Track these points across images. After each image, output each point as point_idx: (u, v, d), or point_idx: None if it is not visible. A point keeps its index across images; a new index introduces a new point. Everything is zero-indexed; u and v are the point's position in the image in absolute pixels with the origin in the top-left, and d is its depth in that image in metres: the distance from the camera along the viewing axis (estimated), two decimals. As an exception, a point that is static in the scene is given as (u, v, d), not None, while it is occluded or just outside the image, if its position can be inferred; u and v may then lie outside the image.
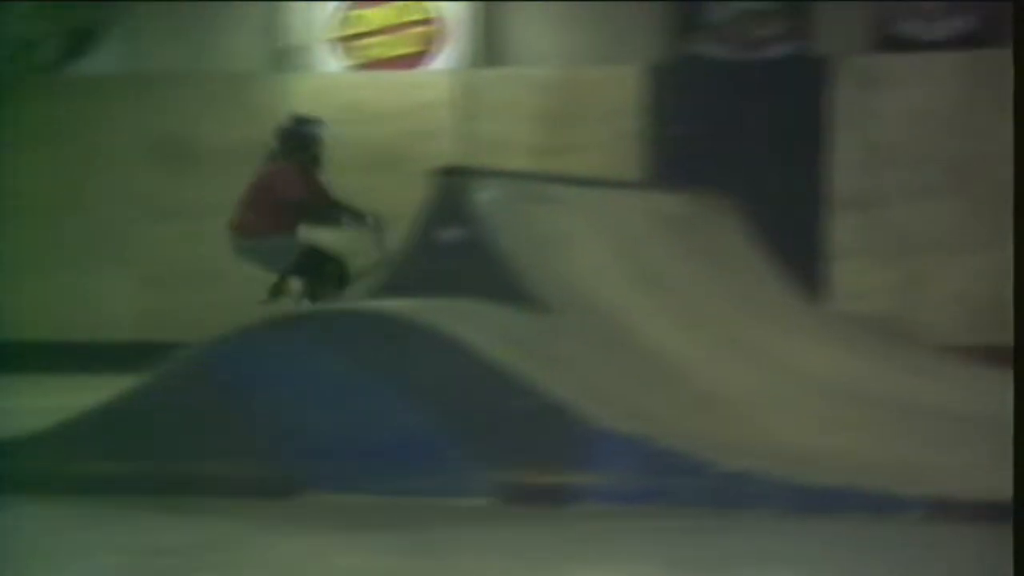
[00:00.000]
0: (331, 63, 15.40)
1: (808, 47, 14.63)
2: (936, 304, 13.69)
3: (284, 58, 15.19)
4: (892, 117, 14.03)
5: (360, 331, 7.98)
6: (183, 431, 7.89)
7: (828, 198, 14.24)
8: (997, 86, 13.78)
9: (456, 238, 8.79)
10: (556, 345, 8.28)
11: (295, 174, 10.98)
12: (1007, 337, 13.05)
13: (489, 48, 14.99)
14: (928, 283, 13.74)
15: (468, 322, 8.04)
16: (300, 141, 11.07)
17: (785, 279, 11.59)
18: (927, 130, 14.00)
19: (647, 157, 14.31)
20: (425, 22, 15.11)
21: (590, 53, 14.67)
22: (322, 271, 10.95)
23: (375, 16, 15.26)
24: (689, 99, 14.36)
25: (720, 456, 7.33)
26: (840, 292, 13.97)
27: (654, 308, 9.51)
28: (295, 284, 11.09)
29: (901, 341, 11.41)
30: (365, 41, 15.36)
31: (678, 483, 7.24)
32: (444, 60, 15.10)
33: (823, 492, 7.06)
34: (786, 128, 14.12)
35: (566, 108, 14.31)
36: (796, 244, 12.93)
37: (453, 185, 8.90)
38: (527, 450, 7.46)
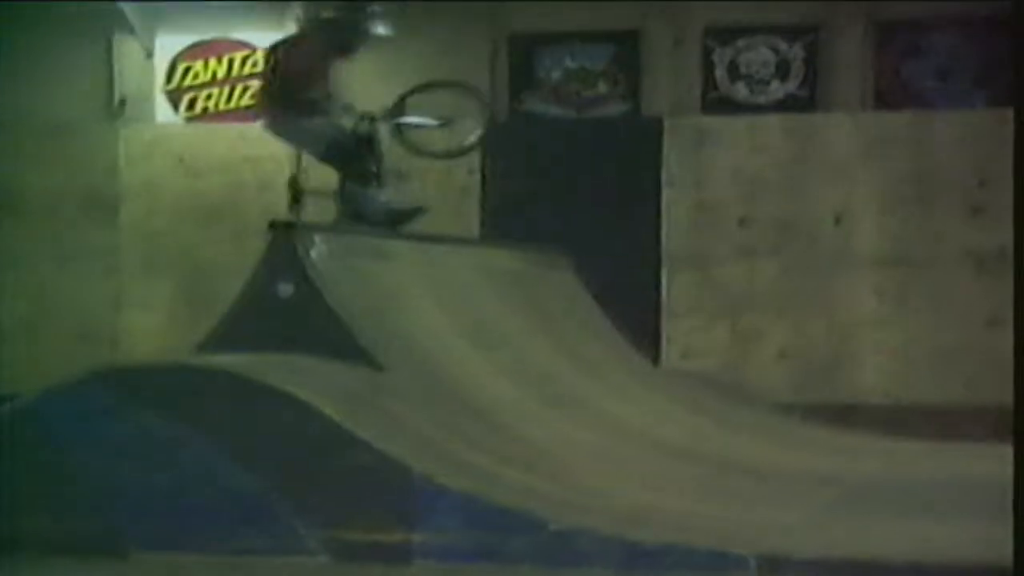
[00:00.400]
0: (166, 115, 15.24)
1: (640, 107, 14.80)
2: (765, 362, 13.88)
3: (120, 109, 15.00)
4: (721, 177, 14.23)
5: (189, 386, 7.85)
6: (8, 487, 7.69)
7: (661, 256, 14.39)
8: (821, 149, 14.10)
9: (289, 293, 8.71)
10: (389, 402, 8.23)
11: (315, 55, 10.24)
12: (834, 395, 13.38)
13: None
14: (757, 341, 13.93)
15: (301, 378, 7.95)
16: (348, 26, 10.33)
17: (619, 336, 11.67)
18: (755, 191, 14.23)
19: (482, 214, 14.34)
20: (257, 75, 15.02)
21: (424, 108, 14.66)
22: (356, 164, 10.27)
23: (209, 68, 15.15)
24: (523, 157, 14.43)
25: (553, 513, 7.32)
26: (674, 350, 14.11)
27: (486, 365, 9.51)
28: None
29: (733, 398, 11.52)
30: (199, 93, 15.24)
31: (511, 541, 7.21)
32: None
33: (655, 550, 7.07)
34: (619, 186, 14.26)
35: (399, 163, 14.31)
36: (630, 301, 13.03)
37: (286, 239, 8.83)
38: (360, 507, 7.39)
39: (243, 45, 15.25)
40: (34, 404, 7.92)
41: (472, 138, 10.64)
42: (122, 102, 15.26)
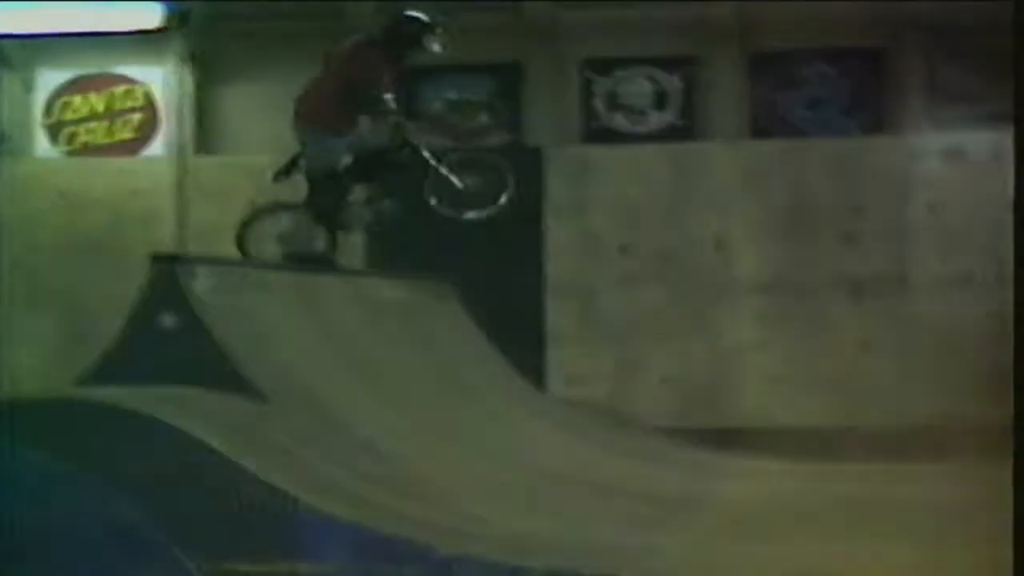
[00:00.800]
0: (46, 150, 15.14)
1: (522, 138, 14.93)
2: (648, 388, 14.03)
3: (-1, 143, 14.89)
4: (603, 206, 14.39)
5: (73, 421, 7.82)
6: None
7: (544, 284, 14.51)
8: (700, 177, 14.31)
9: (173, 325, 8.70)
10: (275, 434, 8.24)
11: (380, 59, 10.38)
12: (716, 420, 13.55)
13: (204, 135, 14.93)
14: (640, 367, 14.08)
15: (186, 410, 7.94)
16: (409, 37, 10.45)
17: (504, 364, 11.74)
18: (636, 219, 14.40)
19: (365, 243, 14.37)
20: (137, 109, 14.98)
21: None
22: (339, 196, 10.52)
23: (89, 102, 15.08)
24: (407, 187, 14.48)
25: (437, 542, 7.37)
26: (558, 377, 14.21)
27: (368, 395, 9.54)
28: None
29: (616, 424, 11.65)
30: (79, 127, 15.15)
31: (397, 570, 7.25)
32: (159, 147, 14.98)
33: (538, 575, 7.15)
34: (503, 216, 14.35)
35: (282, 195, 14.34)
36: (515, 330, 13.12)
37: (169, 272, 8.82)
38: (245, 540, 7.39)
39: (124, 80, 15.20)
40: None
41: (503, 199, 10.75)
42: (1, 137, 15.14)
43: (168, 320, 8.72)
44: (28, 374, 13.95)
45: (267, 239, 10.56)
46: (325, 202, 10.43)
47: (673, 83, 14.80)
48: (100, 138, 15.12)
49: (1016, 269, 5.63)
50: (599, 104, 14.88)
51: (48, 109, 15.21)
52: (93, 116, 15.16)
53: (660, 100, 14.76)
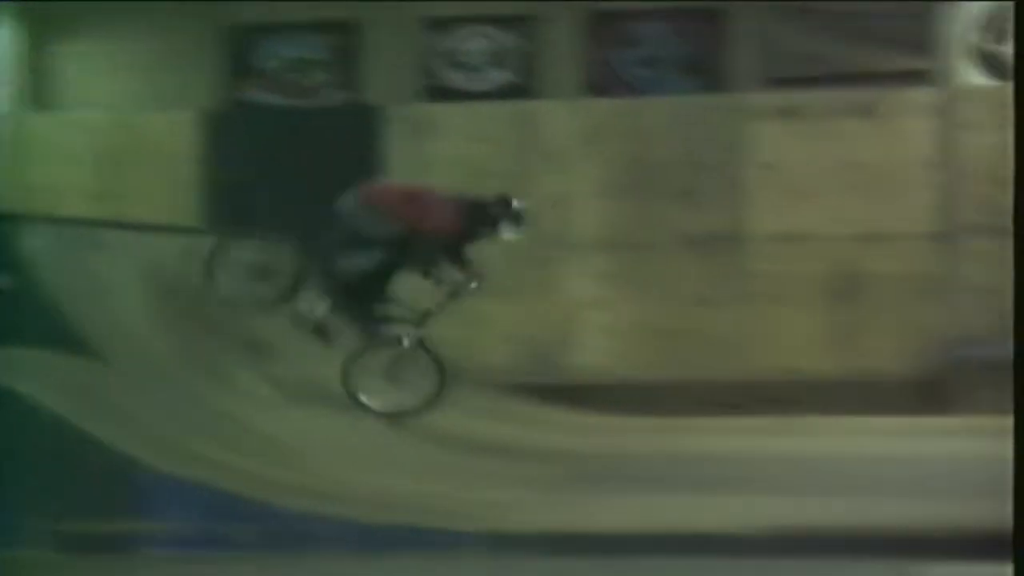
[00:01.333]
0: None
1: (359, 95, 14.84)
2: (491, 345, 14.06)
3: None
4: (442, 164, 14.36)
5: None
6: None
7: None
8: (539, 135, 14.34)
9: (6, 285, 8.53)
10: (113, 393, 8.14)
11: (457, 214, 10.02)
12: (559, 376, 13.65)
13: (39, 92, 14.61)
14: (483, 325, 14.11)
15: (24, 372, 7.81)
16: (491, 221, 10.06)
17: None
18: (475, 177, 14.40)
19: (202, 203, 14.20)
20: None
21: (145, 98, 14.48)
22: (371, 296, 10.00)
23: None
24: (243, 145, 14.34)
25: (282, 499, 7.34)
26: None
27: (207, 354, 9.46)
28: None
29: (460, 381, 11.66)
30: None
31: (242, 528, 7.21)
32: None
33: (386, 531, 7.15)
34: (340, 175, 14.26)
35: (120, 153, 14.09)
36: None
37: (2, 231, 8.64)
38: (87, 499, 7.30)
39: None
40: None
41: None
42: None
43: (2, 279, 8.55)
44: None
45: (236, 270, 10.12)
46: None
47: (511, 41, 14.80)
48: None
49: (1016, 269, 5.69)
50: (437, 63, 14.84)
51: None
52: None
53: (499, 58, 14.75)
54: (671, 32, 14.55)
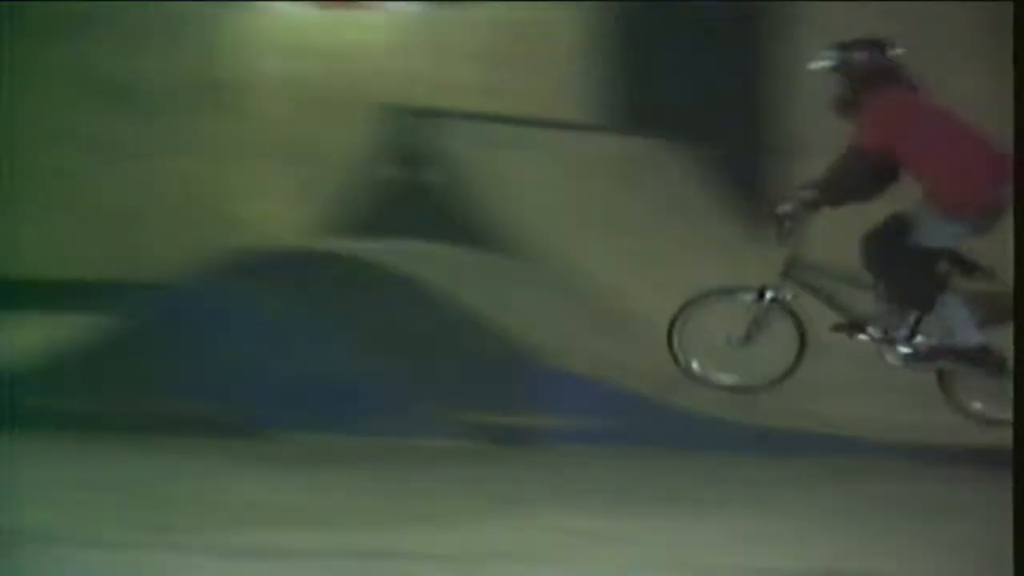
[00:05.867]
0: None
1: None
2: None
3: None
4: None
5: (318, 272, 7.97)
6: (146, 372, 7.87)
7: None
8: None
9: (414, 179, 8.76)
10: (517, 289, 8.29)
11: None
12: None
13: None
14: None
15: (433, 265, 8.04)
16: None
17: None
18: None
19: (596, 99, 14.15)
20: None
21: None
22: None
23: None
24: (639, 43, 14.22)
25: (677, 397, 7.35)
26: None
27: (610, 252, 9.50)
28: None
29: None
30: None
31: (639, 423, 7.28)
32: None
33: (782, 435, 7.13)
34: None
35: (511, 49, 14.16)
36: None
37: (419, 127, 8.85)
38: (486, 392, 7.48)
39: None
40: (168, 290, 8.07)
41: None
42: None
43: (409, 172, 8.78)
44: (265, 226, 14.08)
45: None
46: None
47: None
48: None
49: (1016, 269, 5.33)
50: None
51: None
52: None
53: None
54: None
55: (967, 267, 7.30)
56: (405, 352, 7.63)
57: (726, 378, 7.09)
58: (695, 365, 7.14)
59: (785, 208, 7.14)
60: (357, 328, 7.73)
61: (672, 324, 7.21)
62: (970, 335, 7.28)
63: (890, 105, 7.27)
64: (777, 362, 7.36)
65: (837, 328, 7.26)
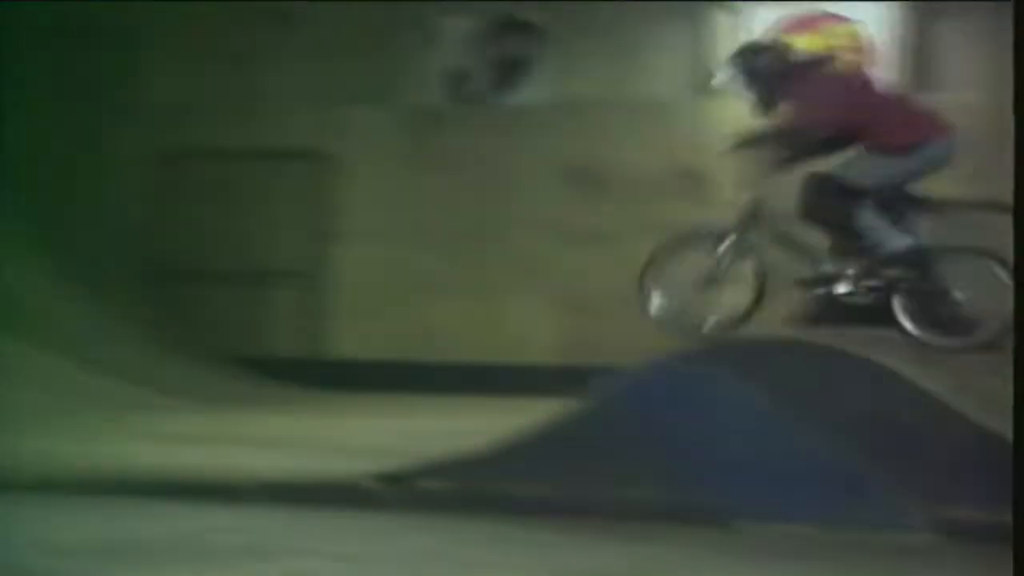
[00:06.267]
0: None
1: None
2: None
3: (707, 83, 15.01)
4: None
5: (782, 361, 7.89)
6: (611, 457, 7.91)
7: None
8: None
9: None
10: (982, 376, 7.99)
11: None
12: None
13: (919, 73, 14.49)
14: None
15: (890, 351, 7.86)
16: None
17: None
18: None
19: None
20: (853, 49, 14.70)
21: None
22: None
23: (803, 42, 14.80)
24: None
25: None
26: None
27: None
28: None
29: None
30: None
31: None
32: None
33: None
34: None
35: (993, 135, 13.76)
36: None
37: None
38: (962, 484, 7.21)
39: (836, 17, 14.91)
40: (639, 376, 8.10)
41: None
42: (711, 77, 15.29)
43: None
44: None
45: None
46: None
47: None
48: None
49: (1016, 270, 4.93)
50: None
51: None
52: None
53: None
54: None
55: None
56: (875, 441, 7.46)
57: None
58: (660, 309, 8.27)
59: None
60: (823, 417, 7.61)
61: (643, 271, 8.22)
62: (896, 239, 7.88)
63: (821, 87, 8.11)
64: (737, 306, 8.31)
65: (800, 284, 8.07)
